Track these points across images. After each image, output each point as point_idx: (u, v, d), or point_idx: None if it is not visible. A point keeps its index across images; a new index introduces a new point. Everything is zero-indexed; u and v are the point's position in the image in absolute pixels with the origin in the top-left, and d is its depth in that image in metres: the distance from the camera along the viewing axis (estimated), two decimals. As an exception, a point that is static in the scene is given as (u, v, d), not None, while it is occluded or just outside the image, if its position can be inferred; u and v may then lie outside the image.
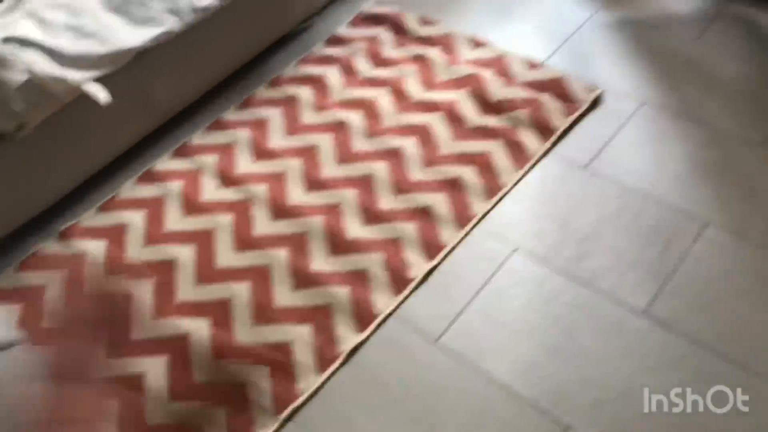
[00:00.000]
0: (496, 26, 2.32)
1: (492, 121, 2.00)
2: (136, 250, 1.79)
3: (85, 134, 1.84)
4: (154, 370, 1.56)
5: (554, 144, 1.93)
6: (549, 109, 2.00)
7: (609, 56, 2.17)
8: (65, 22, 1.68)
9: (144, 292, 1.70)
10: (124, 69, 1.80)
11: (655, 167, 1.85)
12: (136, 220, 1.86)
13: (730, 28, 2.19)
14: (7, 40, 1.59)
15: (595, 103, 2.02)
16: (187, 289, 1.70)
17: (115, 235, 1.83)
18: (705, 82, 2.04)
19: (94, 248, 1.80)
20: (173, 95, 2.02)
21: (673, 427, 1.41)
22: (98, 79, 1.72)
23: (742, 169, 1.81)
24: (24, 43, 1.61)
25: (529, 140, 1.94)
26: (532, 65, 2.15)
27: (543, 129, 1.96)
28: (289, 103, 2.13)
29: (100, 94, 1.69)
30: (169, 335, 1.61)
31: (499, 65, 2.15)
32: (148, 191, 1.94)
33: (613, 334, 1.54)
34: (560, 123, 1.97)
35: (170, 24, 1.84)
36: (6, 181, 1.72)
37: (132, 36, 1.78)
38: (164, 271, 1.74)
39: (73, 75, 1.66)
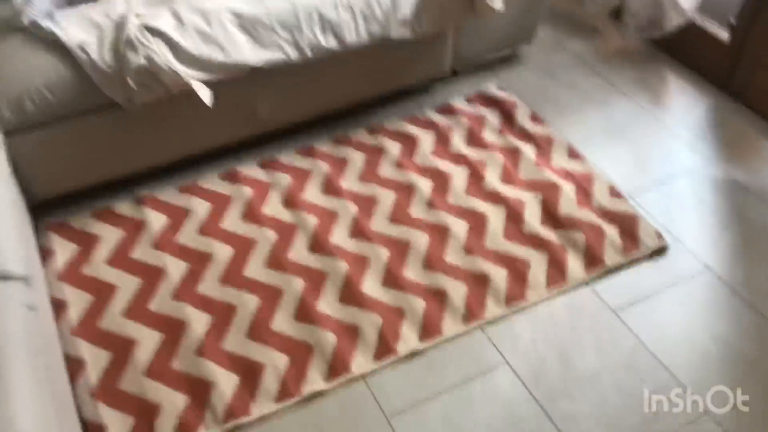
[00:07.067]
0: (601, 144, 2.31)
1: (548, 233, 2.00)
2: (188, 234, 2.00)
3: (184, 124, 2.08)
4: (146, 341, 1.74)
5: (596, 278, 1.90)
6: (608, 242, 1.97)
7: (696, 211, 2.08)
8: (197, 26, 1.92)
9: (175, 272, 1.90)
10: (237, 79, 2.03)
11: (685, 339, 1.76)
12: (201, 208, 2.07)
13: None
14: (144, 26, 1.85)
15: (657, 253, 1.96)
16: (208, 284, 1.87)
17: (178, 215, 2.05)
18: (783, 272, 1.90)
19: (155, 220, 2.03)
20: (275, 113, 2.21)
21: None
22: (209, 83, 1.95)
23: (779, 374, 1.68)
24: (156, 33, 1.86)
25: (574, 265, 1.92)
26: (615, 194, 2.11)
27: (592, 259, 1.93)
28: (376, 152, 2.26)
29: (206, 95, 1.91)
30: (173, 316, 1.79)
31: (583, 183, 2.14)
32: (223, 188, 2.15)
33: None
34: (612, 260, 1.93)
35: (290, 53, 2.03)
36: (106, 139, 2.00)
37: (252, 54, 1.99)
38: (199, 261, 1.93)
39: (187, 72, 1.90)
